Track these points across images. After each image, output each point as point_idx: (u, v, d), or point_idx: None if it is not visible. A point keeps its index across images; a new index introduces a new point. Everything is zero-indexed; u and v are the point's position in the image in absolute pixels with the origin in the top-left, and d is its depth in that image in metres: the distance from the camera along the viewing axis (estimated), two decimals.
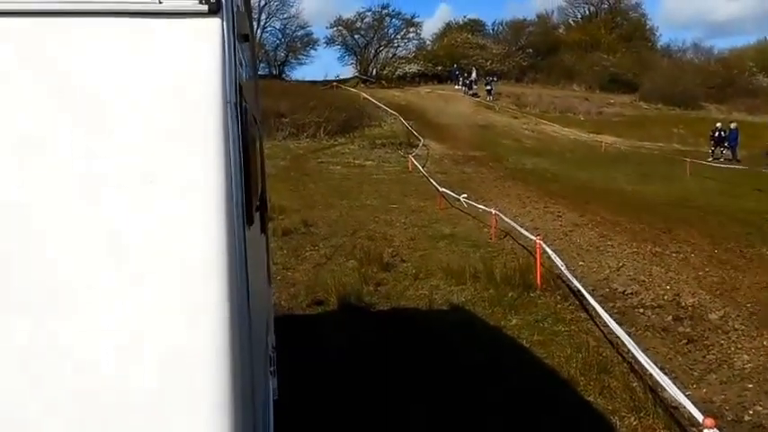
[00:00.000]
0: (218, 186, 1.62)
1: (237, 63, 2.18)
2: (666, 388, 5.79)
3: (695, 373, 7.53)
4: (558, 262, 10.26)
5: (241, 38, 2.87)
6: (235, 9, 1.77)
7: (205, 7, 1.68)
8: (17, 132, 1.60)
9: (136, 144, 1.63)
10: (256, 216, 2.81)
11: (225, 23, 1.70)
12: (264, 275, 5.20)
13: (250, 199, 2.37)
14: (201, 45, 1.68)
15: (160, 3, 1.68)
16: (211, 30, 1.70)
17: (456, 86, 55.39)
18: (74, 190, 1.60)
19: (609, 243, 13.67)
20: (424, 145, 32.85)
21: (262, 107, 7.48)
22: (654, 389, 6.62)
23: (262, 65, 62.62)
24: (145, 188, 1.62)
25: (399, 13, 65.37)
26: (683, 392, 5.92)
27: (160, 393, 1.58)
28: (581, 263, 12.20)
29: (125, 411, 1.57)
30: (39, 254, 1.58)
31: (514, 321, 9.02)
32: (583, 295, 9.21)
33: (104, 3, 1.66)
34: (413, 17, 66.12)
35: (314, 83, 54.12)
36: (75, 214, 1.60)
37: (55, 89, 1.62)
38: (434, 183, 20.88)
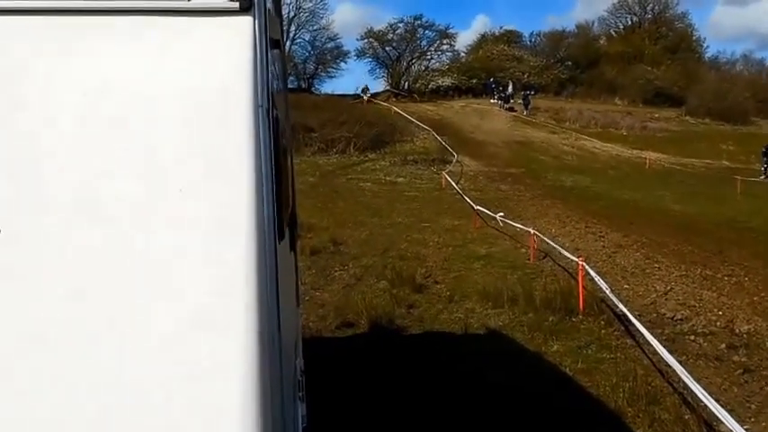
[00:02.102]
0: (249, 196, 1.57)
1: (269, 65, 2.13)
2: (724, 421, 5.61)
3: (752, 406, 7.32)
4: (602, 285, 10.08)
5: (272, 42, 2.81)
6: (266, 9, 1.71)
7: (236, 4, 1.65)
8: (45, 133, 1.58)
9: (161, 149, 1.59)
10: (287, 231, 2.74)
11: (256, 22, 1.66)
12: (293, 295, 5.13)
13: (281, 212, 2.30)
14: (232, 44, 1.65)
15: (189, 0, 1.65)
16: (242, 28, 1.67)
17: (491, 100, 55.23)
18: (96, 198, 1.56)
19: (655, 265, 13.45)
20: (458, 161, 32.76)
21: (291, 121, 7.45)
22: (708, 422, 6.43)
23: (291, 78, 63.13)
24: (172, 197, 1.58)
25: (433, 24, 65.44)
26: (741, 426, 5.75)
27: (184, 412, 1.53)
28: (626, 286, 12.01)
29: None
30: (57, 263, 1.53)
31: (556, 347, 8.86)
32: (629, 321, 9.03)
33: (132, 1, 1.64)
34: (447, 28, 66.17)
35: (344, 96, 54.28)
36: (98, 223, 1.55)
37: (81, 89, 1.59)
38: (469, 200, 20.75)
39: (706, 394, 6.08)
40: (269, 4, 1.86)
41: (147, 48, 1.62)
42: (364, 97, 53.34)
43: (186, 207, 1.56)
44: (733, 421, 5.50)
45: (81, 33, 1.63)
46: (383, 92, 59.60)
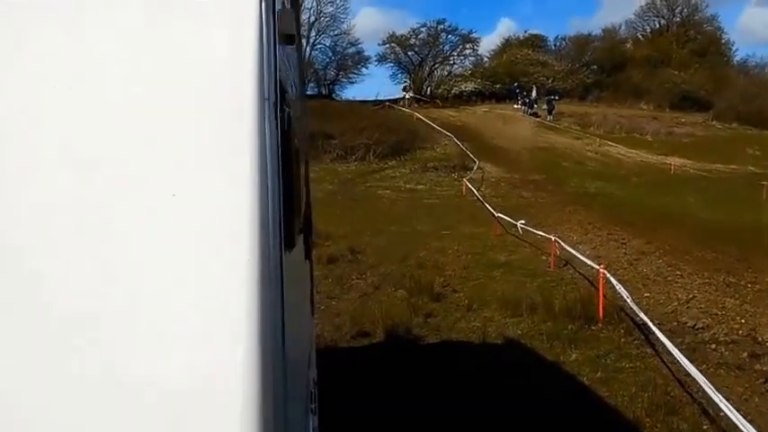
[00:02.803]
0: (251, 198, 1.52)
1: (279, 57, 2.09)
2: (744, 431, 5.59)
3: None
4: (623, 293, 10.04)
5: (285, 37, 2.78)
6: None
7: None
8: (37, 124, 1.56)
9: (157, 142, 1.55)
10: (299, 239, 2.71)
11: (263, 5, 1.60)
12: (307, 305, 5.16)
13: (291, 219, 2.26)
14: (237, 31, 1.59)
15: None
16: (249, 15, 1.59)
17: (515, 106, 55.07)
18: (84, 193, 1.55)
19: (678, 273, 13.37)
20: (479, 168, 32.69)
21: (309, 126, 7.41)
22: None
23: (311, 84, 63.19)
24: (167, 196, 1.54)
25: (456, 29, 65.33)
26: None
27: (179, 426, 1.52)
28: (647, 294, 11.95)
29: None
30: (47, 266, 1.53)
31: (574, 357, 8.85)
32: (649, 329, 9.00)
33: None
34: (470, 32, 66.05)
35: (364, 102, 54.24)
36: (84, 220, 1.55)
37: (71, 74, 1.55)
38: (489, 208, 20.72)
39: (727, 403, 6.06)
40: None
41: (147, 32, 1.56)
42: (406, 96, 53.86)
43: (181, 208, 1.53)
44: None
45: (72, 16, 1.60)
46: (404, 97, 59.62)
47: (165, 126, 1.56)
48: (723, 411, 6.17)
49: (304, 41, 61.63)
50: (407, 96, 54.88)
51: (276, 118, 1.61)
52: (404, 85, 58.11)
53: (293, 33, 2.71)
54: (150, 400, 1.52)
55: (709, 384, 6.49)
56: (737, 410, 6.60)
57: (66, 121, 1.56)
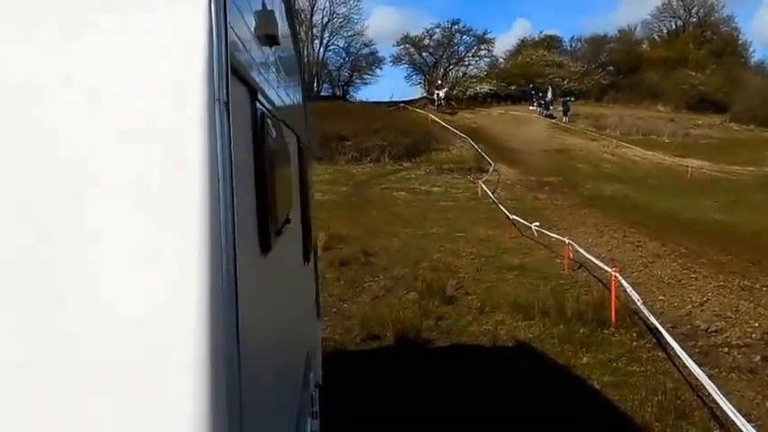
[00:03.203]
0: (199, 200, 1.50)
1: (252, 58, 2.05)
2: None
3: None
4: (635, 296, 10.01)
5: (266, 39, 2.75)
6: None
7: None
8: None
9: (101, 145, 1.53)
10: (280, 241, 2.70)
11: (213, 9, 1.57)
12: (305, 307, 5.16)
13: (266, 222, 2.26)
14: (183, 31, 1.56)
15: None
16: (196, 14, 1.57)
17: (530, 107, 54.92)
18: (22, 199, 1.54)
19: (692, 276, 13.29)
20: (494, 170, 32.65)
21: (312, 127, 7.38)
22: None
23: (325, 85, 63.28)
24: (111, 199, 1.53)
25: (470, 30, 65.18)
26: None
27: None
28: (661, 297, 11.91)
29: None
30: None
31: (585, 360, 8.83)
32: (661, 333, 8.96)
33: None
34: (485, 33, 65.85)
35: (378, 104, 54.18)
36: (26, 223, 1.54)
37: (14, 86, 1.56)
38: (504, 210, 20.68)
39: (733, 409, 6.03)
40: None
41: (93, 36, 1.54)
42: (440, 94, 52.75)
43: (125, 211, 1.51)
44: None
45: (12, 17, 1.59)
46: (419, 99, 59.47)
47: (113, 128, 1.55)
48: (731, 417, 6.13)
49: (317, 42, 62.14)
50: (440, 94, 53.33)
51: (227, 116, 1.58)
52: (437, 83, 56.85)
53: (274, 34, 2.70)
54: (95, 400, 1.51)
55: (715, 388, 6.46)
56: (747, 415, 6.63)
57: (12, 123, 1.56)
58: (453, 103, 55.03)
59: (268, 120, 2.48)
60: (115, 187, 1.52)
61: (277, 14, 3.09)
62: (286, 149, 3.09)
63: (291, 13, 4.94)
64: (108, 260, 1.52)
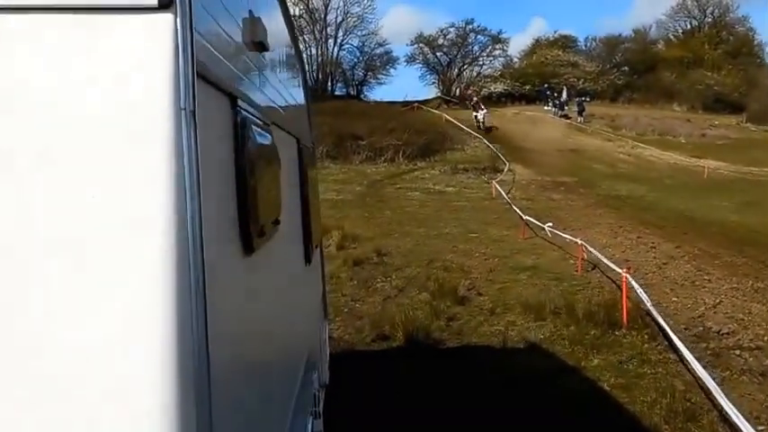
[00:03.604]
0: (168, 205, 1.51)
1: (238, 64, 2.07)
2: None
3: None
4: (644, 298, 9.91)
5: (255, 45, 2.79)
6: (192, 5, 1.64)
7: (155, 1, 1.57)
8: None
9: (72, 155, 1.54)
10: (268, 243, 2.71)
11: (179, 20, 1.58)
12: (306, 309, 5.13)
13: (247, 226, 2.28)
14: (149, 43, 1.58)
15: None
16: (161, 27, 1.58)
17: (545, 107, 54.76)
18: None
19: (706, 278, 13.18)
20: (509, 170, 32.55)
21: (314, 128, 7.37)
22: None
23: (339, 85, 63.37)
24: (80, 209, 1.53)
25: (485, 29, 65.20)
26: None
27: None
28: (674, 299, 11.79)
29: None
30: None
31: (596, 362, 8.75)
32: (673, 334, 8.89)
33: None
34: (499, 33, 65.87)
35: (393, 103, 54.17)
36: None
37: None
38: (518, 210, 20.58)
39: (737, 412, 5.95)
40: (200, 1, 1.77)
41: (56, 47, 1.57)
42: (479, 117, 50.24)
43: (91, 219, 1.52)
44: None
45: None
46: (433, 99, 59.45)
47: (82, 139, 1.56)
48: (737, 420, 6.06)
49: (331, 41, 62.30)
50: (479, 117, 45.71)
51: (194, 124, 1.59)
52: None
53: (261, 40, 2.72)
54: (61, 405, 1.51)
55: (719, 391, 6.38)
56: (757, 418, 6.56)
57: None
58: (466, 102, 54.82)
59: (251, 125, 2.50)
60: (80, 196, 1.54)
61: (267, 20, 3.10)
62: (275, 153, 3.09)
63: (288, 15, 4.92)
64: (73, 269, 1.53)
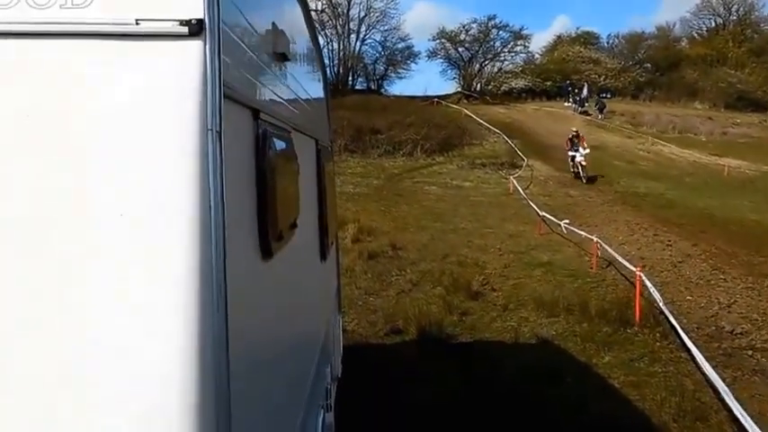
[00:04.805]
0: (194, 221, 1.64)
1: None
2: None
3: None
4: (657, 296, 9.98)
5: (278, 56, 2.91)
6: (220, 31, 1.77)
7: (185, 29, 1.68)
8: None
9: (107, 173, 1.67)
10: (285, 246, 2.83)
11: (208, 46, 1.70)
12: (321, 304, 5.25)
13: (266, 232, 2.42)
14: (179, 70, 1.69)
15: (137, 24, 1.69)
16: (191, 54, 1.70)
17: (565, 104, 54.60)
18: (35, 223, 1.67)
19: (721, 277, 13.17)
20: (528, 165, 32.48)
21: (334, 123, 7.48)
22: None
23: (360, 79, 63.39)
24: (114, 221, 1.66)
25: (507, 25, 64.79)
26: None
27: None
28: (688, 297, 11.83)
29: None
30: None
31: (607, 359, 8.84)
32: (685, 333, 8.95)
33: (78, 24, 1.69)
34: (521, 29, 65.53)
35: (413, 98, 54.10)
36: (33, 247, 1.67)
37: (24, 113, 1.68)
38: (534, 206, 20.61)
39: (744, 413, 6.03)
40: (227, 25, 1.89)
41: (91, 72, 1.67)
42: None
43: (125, 235, 1.65)
44: None
45: (21, 56, 1.71)
46: (453, 93, 59.40)
47: (114, 160, 1.69)
48: (755, 419, 6.13)
49: (353, 36, 62.36)
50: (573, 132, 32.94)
51: (220, 142, 1.72)
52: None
53: (283, 51, 2.84)
54: (87, 404, 1.63)
55: (727, 391, 6.45)
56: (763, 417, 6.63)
57: (22, 150, 1.70)
58: (487, 98, 54.54)
59: (272, 136, 2.61)
60: (109, 211, 1.68)
61: (289, 28, 3.21)
62: (294, 158, 3.21)
63: (309, 17, 5.04)
64: (106, 274, 1.67)
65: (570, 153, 31.30)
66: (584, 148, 30.42)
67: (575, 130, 33.00)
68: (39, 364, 1.64)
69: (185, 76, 1.70)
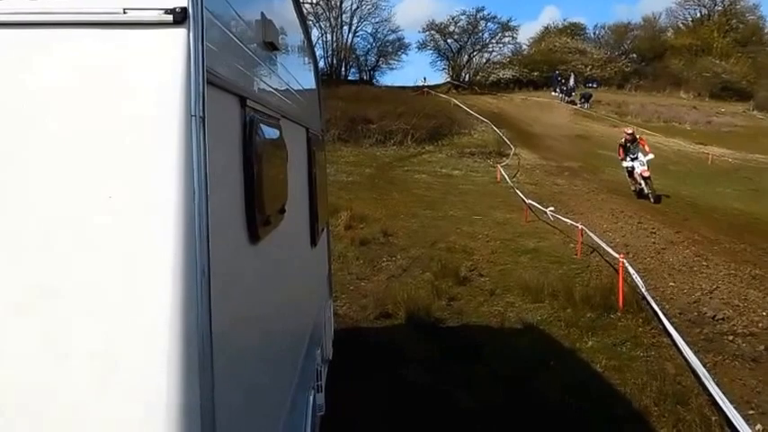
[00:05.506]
0: (178, 204, 1.66)
1: (251, 66, 2.19)
2: (736, 424, 5.63)
3: None
4: (640, 282, 10.02)
5: (267, 45, 2.92)
6: (203, 20, 1.79)
7: (169, 18, 1.70)
8: None
9: (91, 159, 1.68)
10: (273, 231, 2.86)
11: (191, 34, 1.72)
12: (311, 288, 5.28)
13: (253, 217, 2.43)
14: (164, 57, 1.71)
15: (124, 13, 1.71)
16: (175, 41, 1.72)
17: (553, 93, 54.74)
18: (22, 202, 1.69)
19: (704, 263, 13.19)
20: (515, 154, 32.55)
21: (327, 112, 7.50)
22: (733, 424, 6.38)
23: (352, 70, 63.45)
24: (100, 205, 1.67)
25: (495, 17, 65.08)
26: None
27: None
28: (671, 283, 11.86)
29: None
30: None
31: (590, 344, 8.86)
32: (667, 319, 9.00)
33: (65, 14, 1.70)
34: (509, 21, 65.78)
35: (403, 88, 54.19)
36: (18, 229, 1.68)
37: (12, 101, 1.69)
38: (521, 194, 20.65)
39: (723, 397, 6.07)
40: (212, 14, 1.91)
41: (79, 61, 1.69)
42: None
43: (109, 220, 1.67)
44: (744, 425, 5.50)
45: (10, 46, 1.72)
46: (443, 84, 59.56)
47: (100, 146, 1.72)
48: (735, 404, 6.18)
49: (346, 28, 62.33)
50: (628, 132, 25.49)
51: (203, 128, 1.74)
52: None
53: (271, 41, 2.85)
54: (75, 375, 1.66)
55: (708, 376, 6.49)
56: (747, 403, 6.69)
57: (3, 138, 1.71)
58: (475, 88, 54.66)
59: (259, 123, 2.64)
60: (93, 196, 1.70)
61: (278, 18, 3.23)
62: (283, 146, 3.23)
63: (299, 7, 5.05)
64: (90, 253, 1.69)
65: (626, 164, 23.32)
66: (646, 154, 22.75)
67: (629, 131, 24.19)
68: (24, 348, 1.66)
69: (170, 64, 1.72)
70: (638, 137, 23.56)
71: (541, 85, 58.43)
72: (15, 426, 1.65)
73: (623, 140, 23.21)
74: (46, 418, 1.66)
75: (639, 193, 22.60)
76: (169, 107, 1.70)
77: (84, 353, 1.65)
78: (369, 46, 64.58)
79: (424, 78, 61.54)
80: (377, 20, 63.87)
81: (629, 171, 23.20)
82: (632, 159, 22.80)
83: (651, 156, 22.55)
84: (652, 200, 21.77)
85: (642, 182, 22.30)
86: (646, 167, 22.13)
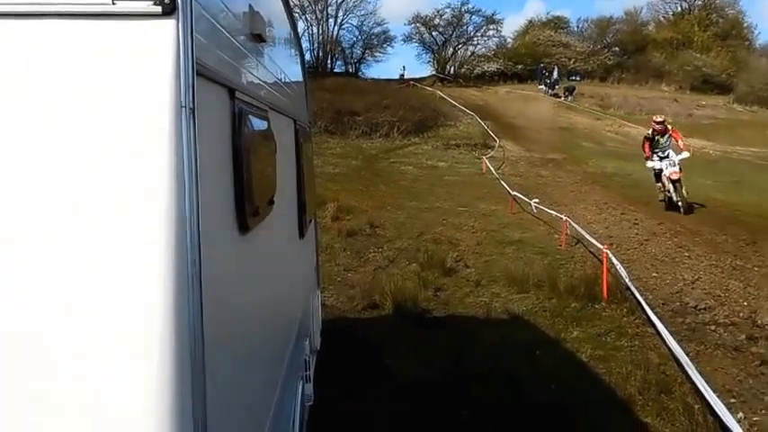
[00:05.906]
0: (168, 195, 1.64)
1: (238, 58, 2.16)
2: (719, 412, 5.66)
3: (766, 398, 7.22)
4: (623, 273, 10.04)
5: (254, 37, 2.90)
6: (192, 11, 1.76)
7: (158, 9, 1.68)
8: None
9: (79, 151, 1.66)
10: (262, 222, 2.84)
11: (180, 25, 1.70)
12: (299, 279, 5.26)
13: (242, 208, 2.40)
14: (153, 48, 1.69)
15: (113, 4, 1.69)
16: (164, 33, 1.70)
17: (538, 86, 54.88)
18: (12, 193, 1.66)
19: (686, 254, 13.24)
20: (500, 146, 32.56)
21: (314, 104, 7.49)
22: (716, 412, 6.40)
23: (338, 63, 63.44)
24: (88, 194, 1.65)
25: (479, 10, 65.28)
26: (751, 418, 5.79)
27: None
28: (654, 274, 11.89)
29: None
30: None
31: (575, 334, 8.88)
32: (651, 309, 9.02)
33: (53, 4, 1.68)
34: (493, 14, 65.99)
35: (389, 81, 54.19)
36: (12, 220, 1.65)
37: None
38: (506, 186, 20.67)
39: (705, 384, 6.09)
40: (200, 5, 1.89)
41: (66, 52, 1.67)
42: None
43: (97, 209, 1.65)
44: (728, 414, 5.52)
45: None
46: (428, 77, 59.60)
47: (93, 133, 1.69)
48: (718, 393, 6.21)
49: (332, 21, 62.24)
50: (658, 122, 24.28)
51: (193, 119, 1.72)
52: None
53: (259, 32, 2.83)
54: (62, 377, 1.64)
55: (691, 365, 6.52)
56: (729, 392, 6.72)
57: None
58: (460, 80, 54.72)
59: (248, 114, 2.63)
60: (81, 188, 1.67)
61: (265, 10, 3.21)
62: (271, 137, 3.21)
63: (286, 0, 5.02)
64: (80, 244, 1.66)
65: (651, 164, 18.41)
66: (680, 151, 17.85)
67: (658, 119, 18.45)
68: (12, 341, 1.63)
69: (159, 55, 1.70)
70: (669, 128, 18.26)
71: (526, 78, 58.61)
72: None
73: (650, 132, 18.30)
74: (35, 422, 1.63)
75: (669, 203, 17.95)
76: (159, 98, 1.68)
77: (62, 342, 1.64)
78: (354, 38, 64.73)
79: (403, 67, 61.71)
80: (362, 12, 63.96)
81: (656, 173, 18.39)
82: (661, 158, 17.90)
83: (686, 154, 17.89)
84: (682, 210, 17.31)
85: (671, 186, 17.66)
86: (677, 168, 17.41)
